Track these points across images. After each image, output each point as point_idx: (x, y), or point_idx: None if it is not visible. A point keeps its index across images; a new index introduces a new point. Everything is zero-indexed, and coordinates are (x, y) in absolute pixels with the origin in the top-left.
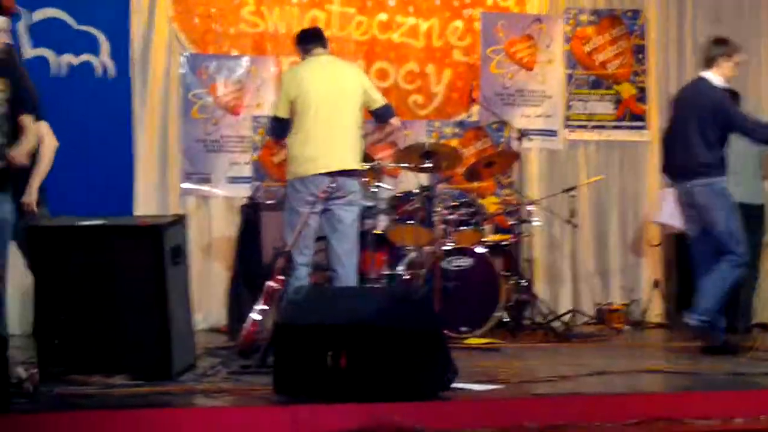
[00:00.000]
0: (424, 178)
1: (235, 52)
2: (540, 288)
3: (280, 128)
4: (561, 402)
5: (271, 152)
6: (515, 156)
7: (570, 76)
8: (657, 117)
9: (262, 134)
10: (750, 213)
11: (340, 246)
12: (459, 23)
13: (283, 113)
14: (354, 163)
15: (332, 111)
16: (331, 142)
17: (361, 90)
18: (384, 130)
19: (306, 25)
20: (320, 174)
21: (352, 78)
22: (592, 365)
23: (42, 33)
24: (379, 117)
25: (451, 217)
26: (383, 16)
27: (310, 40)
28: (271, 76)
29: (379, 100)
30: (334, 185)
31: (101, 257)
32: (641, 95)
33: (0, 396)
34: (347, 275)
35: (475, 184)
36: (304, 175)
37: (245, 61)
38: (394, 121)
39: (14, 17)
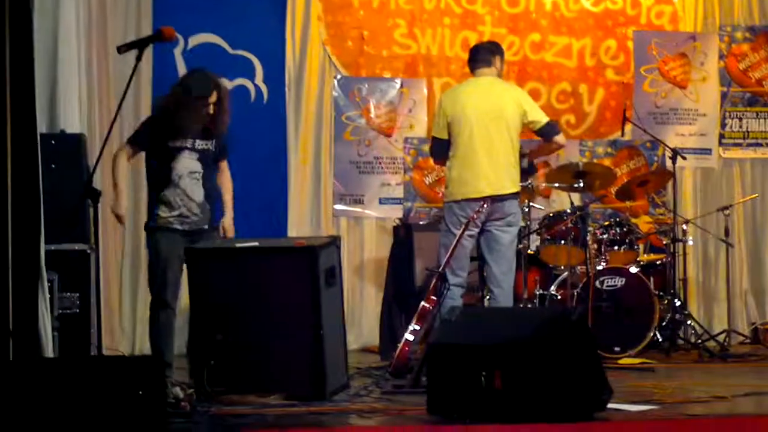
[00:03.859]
0: (576, 198)
1: (387, 74)
2: (694, 307)
3: (439, 149)
4: (716, 423)
5: (423, 173)
6: (669, 175)
7: (724, 94)
8: None
9: (414, 155)
10: None
11: (498, 267)
12: (612, 42)
13: (441, 134)
14: (511, 185)
15: (488, 132)
16: (487, 165)
17: (520, 111)
18: (549, 147)
19: (458, 46)
20: (477, 197)
21: (509, 99)
22: (747, 386)
23: (197, 58)
24: (543, 136)
25: (604, 236)
26: (536, 36)
27: (473, 59)
28: (422, 98)
29: (541, 120)
30: (488, 207)
31: (256, 278)
32: None
33: (158, 415)
34: (504, 296)
35: (629, 204)
36: (460, 198)
37: (397, 82)
38: (559, 138)
39: (171, 44)
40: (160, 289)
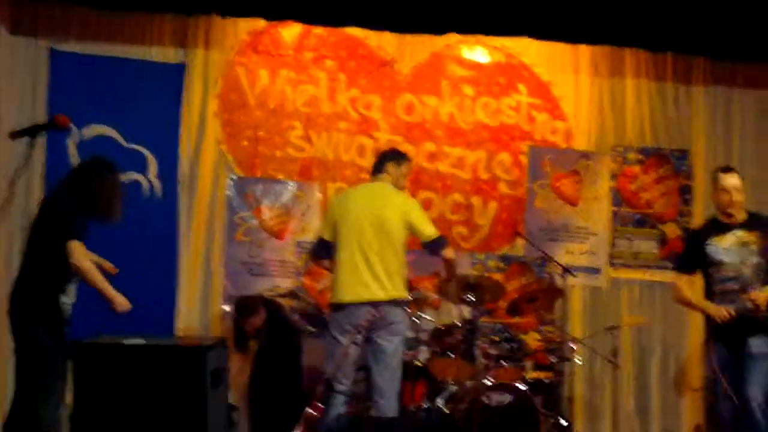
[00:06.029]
0: (466, 311)
1: (281, 176)
2: (580, 426)
3: (319, 250)
4: None
5: (314, 279)
6: (559, 292)
7: (615, 214)
8: None
9: (306, 259)
10: None
11: (381, 376)
12: (506, 156)
13: (326, 235)
14: (394, 291)
15: (367, 238)
16: (365, 270)
17: (404, 221)
18: (447, 265)
19: (353, 151)
20: (358, 303)
21: (394, 207)
22: None
23: (90, 150)
24: (429, 250)
25: (492, 351)
26: (431, 146)
27: (374, 167)
28: (316, 202)
29: (426, 233)
30: (373, 316)
31: (142, 376)
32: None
33: None
34: (388, 406)
35: (518, 319)
36: (341, 302)
37: (291, 185)
38: (446, 253)
39: (64, 133)
40: (62, 380)
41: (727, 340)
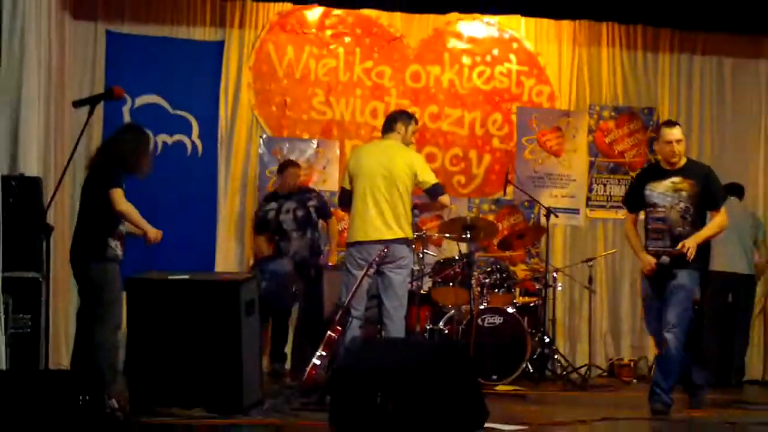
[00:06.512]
0: (464, 247)
1: (305, 136)
2: (560, 344)
3: (344, 198)
4: None
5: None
6: (543, 230)
7: (592, 163)
8: None
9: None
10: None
11: (390, 303)
12: (498, 116)
13: (346, 185)
14: (400, 231)
15: (380, 187)
16: (374, 213)
17: (410, 172)
18: (434, 205)
19: (367, 113)
20: (369, 241)
21: (401, 161)
22: (603, 412)
23: (142, 115)
24: (429, 195)
25: (486, 280)
26: (434, 108)
27: (384, 126)
28: (335, 157)
29: (428, 181)
30: (383, 252)
31: (186, 306)
32: None
33: (95, 423)
34: (396, 328)
35: (508, 253)
36: (355, 240)
37: (314, 143)
38: (443, 199)
39: (119, 102)
40: (118, 310)
41: (651, 279)
